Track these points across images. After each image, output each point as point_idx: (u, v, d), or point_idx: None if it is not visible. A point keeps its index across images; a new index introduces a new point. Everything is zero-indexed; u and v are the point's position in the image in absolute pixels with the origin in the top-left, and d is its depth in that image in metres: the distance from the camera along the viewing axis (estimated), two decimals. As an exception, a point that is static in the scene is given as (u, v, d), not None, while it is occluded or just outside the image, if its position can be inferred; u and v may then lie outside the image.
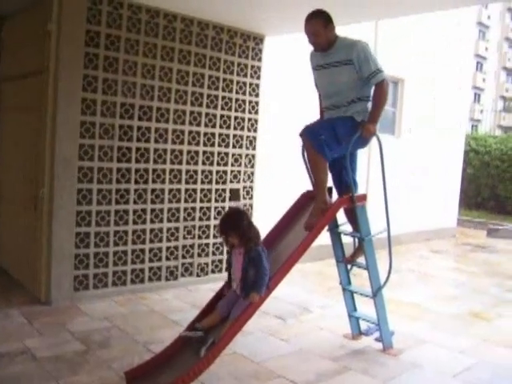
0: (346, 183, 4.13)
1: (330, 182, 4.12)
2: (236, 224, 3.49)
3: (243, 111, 6.34)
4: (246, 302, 3.43)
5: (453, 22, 10.19)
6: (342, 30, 4.06)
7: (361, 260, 4.36)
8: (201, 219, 6.05)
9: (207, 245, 6.15)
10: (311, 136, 3.80)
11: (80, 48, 4.92)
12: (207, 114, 5.98)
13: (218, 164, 6.16)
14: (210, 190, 6.10)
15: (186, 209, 5.91)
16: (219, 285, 3.90)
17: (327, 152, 3.80)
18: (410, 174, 9.36)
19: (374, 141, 4.19)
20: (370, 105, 3.97)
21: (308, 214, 3.89)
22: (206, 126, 5.98)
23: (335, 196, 4.17)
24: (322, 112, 4.24)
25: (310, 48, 4.08)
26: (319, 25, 3.79)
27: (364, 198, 4.13)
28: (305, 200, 4.19)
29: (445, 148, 10.45)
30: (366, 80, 3.85)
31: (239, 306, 3.44)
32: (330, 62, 3.90)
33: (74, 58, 4.89)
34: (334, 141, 3.83)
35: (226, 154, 6.21)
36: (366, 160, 7.65)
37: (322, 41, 3.85)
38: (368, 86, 3.94)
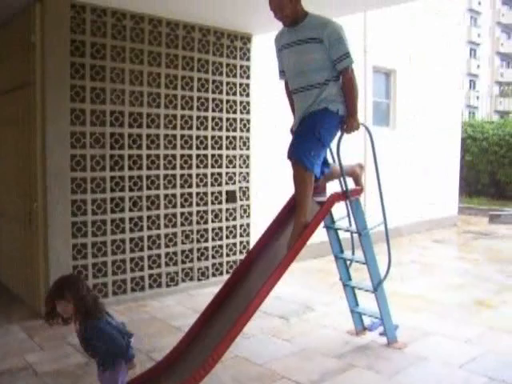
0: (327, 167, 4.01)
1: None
2: (67, 290, 2.75)
3: (235, 112, 6.30)
4: (110, 374, 2.82)
5: (443, 10, 10.14)
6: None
7: (360, 255, 4.31)
8: (198, 223, 6.01)
9: (206, 248, 6.11)
10: (301, 157, 3.57)
11: (65, 58, 4.89)
12: (198, 117, 5.94)
13: (213, 166, 6.12)
14: (205, 193, 6.07)
15: (182, 213, 5.87)
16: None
17: (318, 169, 3.66)
18: (408, 165, 9.32)
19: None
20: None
21: None
22: (198, 128, 5.94)
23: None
24: (289, 96, 3.98)
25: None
26: None
27: (358, 192, 4.08)
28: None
29: (441, 136, 10.39)
30: (333, 63, 3.63)
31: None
32: (299, 38, 3.63)
33: (59, 68, 4.86)
34: (321, 148, 3.69)
35: (220, 155, 6.17)
36: (362, 152, 7.60)
37: (289, 13, 3.57)
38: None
